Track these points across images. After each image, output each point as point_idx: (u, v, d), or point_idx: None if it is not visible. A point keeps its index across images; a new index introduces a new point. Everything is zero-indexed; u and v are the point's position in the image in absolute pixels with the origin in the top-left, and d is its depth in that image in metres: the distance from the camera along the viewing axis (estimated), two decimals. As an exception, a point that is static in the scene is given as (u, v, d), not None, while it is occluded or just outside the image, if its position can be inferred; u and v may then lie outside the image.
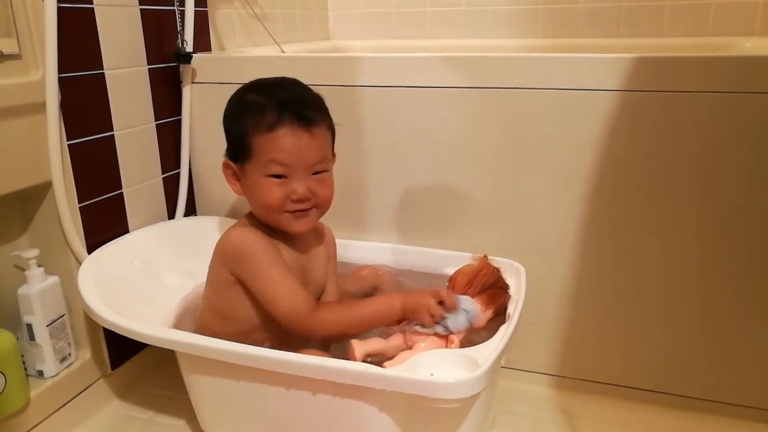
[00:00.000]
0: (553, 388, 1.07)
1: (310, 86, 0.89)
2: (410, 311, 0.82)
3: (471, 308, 0.84)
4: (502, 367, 0.83)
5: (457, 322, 0.82)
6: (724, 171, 0.89)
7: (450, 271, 0.96)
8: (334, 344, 0.88)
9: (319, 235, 0.97)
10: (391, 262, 1.07)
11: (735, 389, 0.98)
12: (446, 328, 0.81)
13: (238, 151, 0.86)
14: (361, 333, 0.84)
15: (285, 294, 0.83)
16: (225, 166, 0.89)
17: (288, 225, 0.87)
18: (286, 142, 0.83)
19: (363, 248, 1.10)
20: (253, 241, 0.86)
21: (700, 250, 0.94)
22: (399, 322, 0.84)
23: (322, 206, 0.88)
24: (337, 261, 1.02)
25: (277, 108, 0.83)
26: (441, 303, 0.82)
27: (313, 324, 0.82)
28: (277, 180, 0.84)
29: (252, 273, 0.85)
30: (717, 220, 0.92)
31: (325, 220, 0.92)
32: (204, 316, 0.93)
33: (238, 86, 0.90)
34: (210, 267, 0.91)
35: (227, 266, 0.87)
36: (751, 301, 0.93)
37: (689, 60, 0.87)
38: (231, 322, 0.88)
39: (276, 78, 0.91)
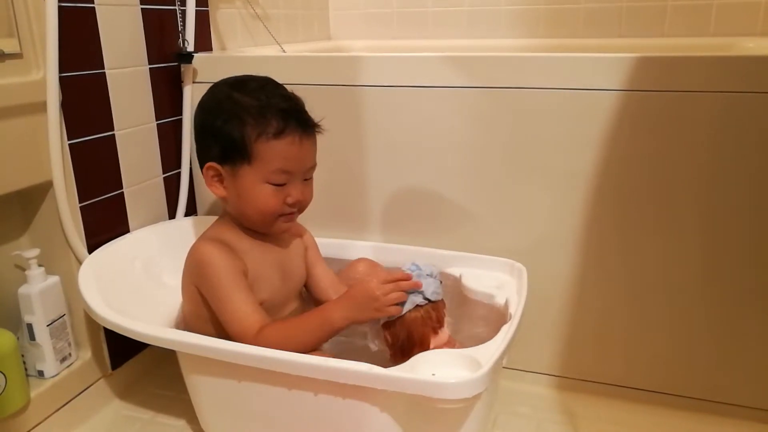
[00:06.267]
0: (555, 388, 1.07)
1: (311, 86, 0.89)
2: (357, 311, 0.80)
3: (426, 267, 0.81)
4: (503, 367, 0.83)
5: (429, 287, 0.80)
6: (727, 170, 0.89)
7: (454, 271, 0.96)
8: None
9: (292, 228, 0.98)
10: (392, 262, 1.07)
11: (738, 390, 0.97)
12: (425, 297, 0.80)
13: (232, 153, 0.85)
14: (314, 348, 0.82)
15: (235, 320, 0.84)
16: (209, 168, 0.87)
17: (276, 227, 0.90)
18: (292, 150, 0.84)
19: (363, 248, 1.09)
20: (217, 259, 0.85)
21: (703, 250, 0.93)
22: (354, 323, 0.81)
23: (304, 208, 0.91)
24: (318, 248, 1.02)
25: (280, 114, 0.83)
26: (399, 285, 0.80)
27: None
28: (275, 187, 0.85)
29: (210, 292, 0.86)
30: (721, 220, 0.91)
31: (326, 220, 0.92)
32: (187, 315, 0.94)
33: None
34: (183, 271, 0.92)
35: (191, 278, 0.89)
36: (756, 301, 0.93)
37: (693, 60, 0.87)
38: (211, 322, 0.88)
39: (250, 76, 0.90)
